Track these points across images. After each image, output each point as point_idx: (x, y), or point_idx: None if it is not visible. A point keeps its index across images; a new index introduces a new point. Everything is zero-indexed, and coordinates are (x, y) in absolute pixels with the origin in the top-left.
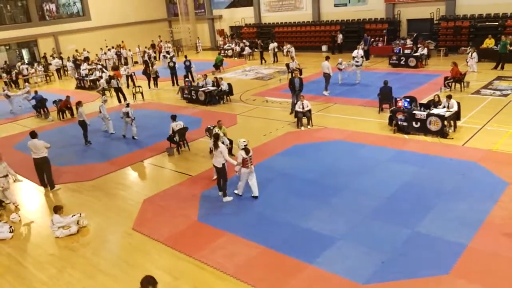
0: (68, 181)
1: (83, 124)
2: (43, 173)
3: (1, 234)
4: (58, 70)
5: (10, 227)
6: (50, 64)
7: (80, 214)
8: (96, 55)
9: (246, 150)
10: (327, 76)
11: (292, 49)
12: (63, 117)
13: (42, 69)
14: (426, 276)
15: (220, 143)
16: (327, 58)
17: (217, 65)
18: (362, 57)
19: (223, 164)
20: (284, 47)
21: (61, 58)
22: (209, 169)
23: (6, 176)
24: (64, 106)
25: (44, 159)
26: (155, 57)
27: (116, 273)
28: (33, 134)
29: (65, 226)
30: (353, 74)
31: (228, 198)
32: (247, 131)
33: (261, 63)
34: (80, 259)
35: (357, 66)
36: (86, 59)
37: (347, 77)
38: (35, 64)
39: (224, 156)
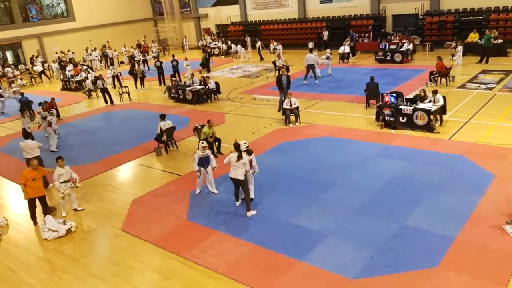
0: None
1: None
2: None
3: None
4: (42, 72)
5: None
6: (35, 65)
7: (71, 225)
8: (83, 58)
9: (249, 152)
10: (312, 67)
11: (280, 46)
12: None
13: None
14: (415, 269)
15: (244, 154)
16: (311, 50)
17: (204, 64)
18: (348, 53)
19: (245, 176)
20: (271, 44)
21: (42, 63)
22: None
23: (68, 181)
24: (49, 108)
25: (37, 158)
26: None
27: (106, 275)
28: (26, 135)
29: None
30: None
31: (252, 212)
32: (235, 129)
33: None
34: (69, 262)
35: (327, 58)
36: (71, 60)
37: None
38: (19, 66)
39: (247, 167)
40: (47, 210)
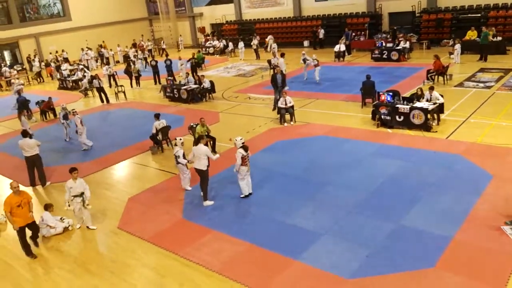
0: (54, 181)
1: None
2: (34, 171)
3: None
4: (39, 73)
5: None
6: (33, 65)
7: (69, 223)
8: (81, 60)
9: (245, 148)
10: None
11: (275, 45)
12: (46, 118)
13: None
14: (412, 269)
15: (203, 145)
16: (282, 55)
17: (199, 63)
18: (344, 51)
19: (207, 167)
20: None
21: (40, 62)
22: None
23: (81, 195)
24: (46, 107)
25: (36, 156)
26: (135, 56)
27: (102, 272)
28: (25, 133)
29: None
30: (312, 71)
31: (209, 202)
32: (230, 128)
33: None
34: (66, 259)
35: (315, 65)
36: (66, 60)
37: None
38: (14, 66)
39: (210, 156)
40: (34, 237)
